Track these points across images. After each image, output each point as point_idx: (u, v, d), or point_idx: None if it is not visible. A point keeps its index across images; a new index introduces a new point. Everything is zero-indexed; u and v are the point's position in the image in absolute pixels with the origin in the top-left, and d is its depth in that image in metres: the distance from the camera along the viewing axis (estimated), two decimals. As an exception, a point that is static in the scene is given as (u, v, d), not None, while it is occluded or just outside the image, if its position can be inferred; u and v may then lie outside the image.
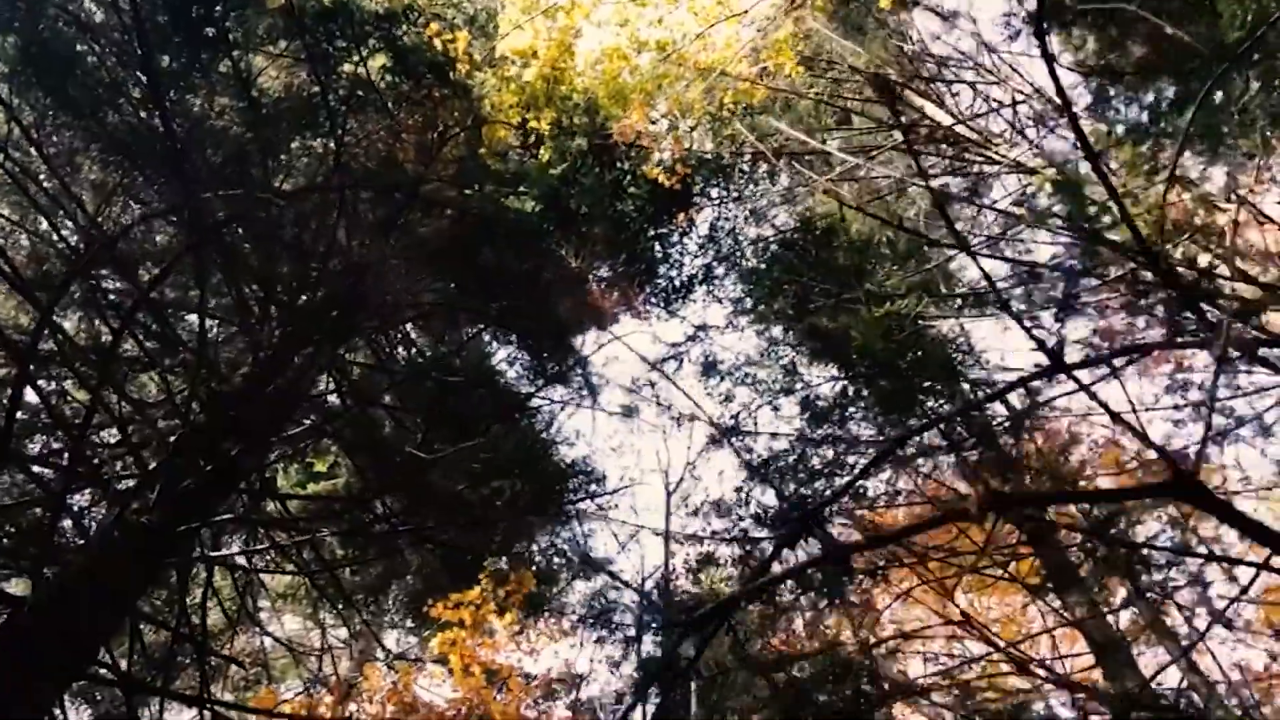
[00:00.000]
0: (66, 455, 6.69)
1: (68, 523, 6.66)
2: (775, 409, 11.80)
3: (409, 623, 11.70)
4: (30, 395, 7.01)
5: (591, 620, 12.01)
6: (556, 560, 10.99)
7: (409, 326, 10.83)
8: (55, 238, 6.73)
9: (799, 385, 8.78)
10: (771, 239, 9.09)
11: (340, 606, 10.11)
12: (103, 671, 6.04)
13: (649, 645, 12.35)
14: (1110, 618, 7.72)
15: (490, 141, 8.78)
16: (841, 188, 7.89)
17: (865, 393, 7.60)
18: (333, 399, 10.01)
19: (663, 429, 15.39)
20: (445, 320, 10.62)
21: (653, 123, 8.38)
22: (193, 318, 9.06)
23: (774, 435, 9.33)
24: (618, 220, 8.81)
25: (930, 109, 8.35)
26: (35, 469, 6.44)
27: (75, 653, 5.73)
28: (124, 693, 6.33)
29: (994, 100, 8.57)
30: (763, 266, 8.72)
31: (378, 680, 8.89)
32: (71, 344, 6.96)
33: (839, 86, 8.74)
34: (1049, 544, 7.93)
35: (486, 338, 11.06)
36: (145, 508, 6.34)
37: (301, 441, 9.13)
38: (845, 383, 7.95)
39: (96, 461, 6.73)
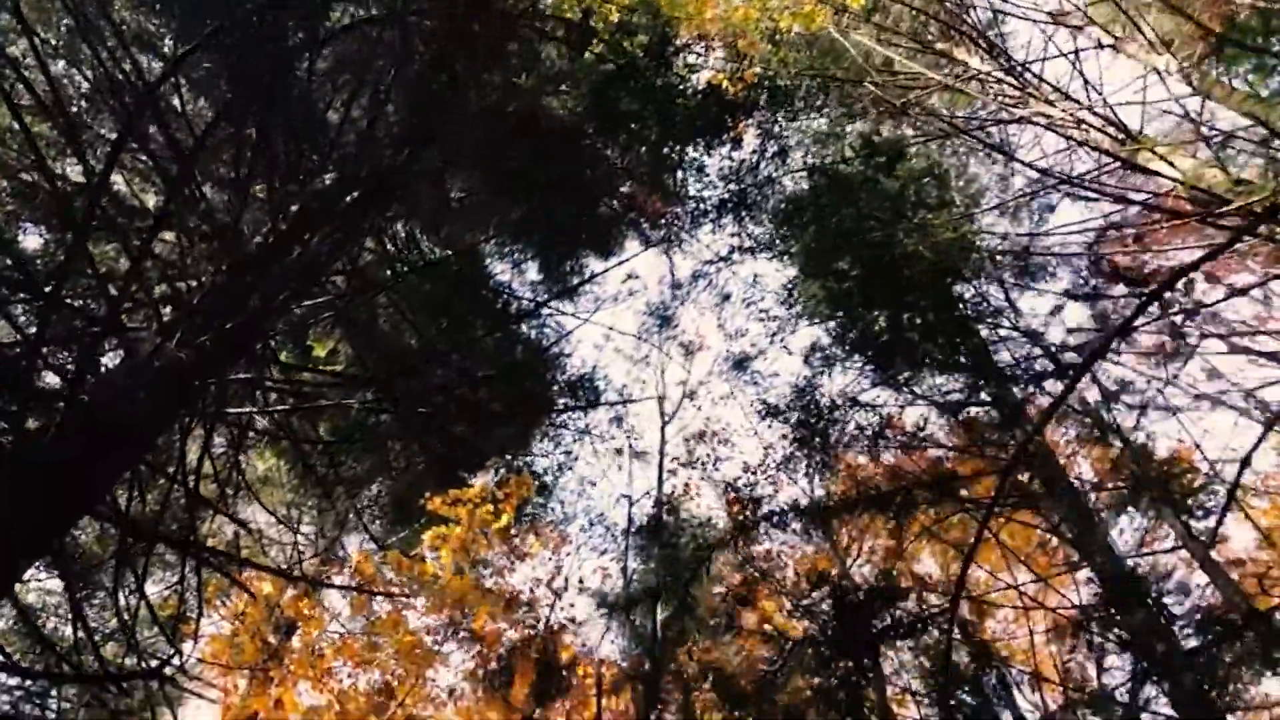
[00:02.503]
0: (104, 309, 6.51)
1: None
2: (786, 348, 11.78)
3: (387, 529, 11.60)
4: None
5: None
6: (552, 471, 10.88)
7: (429, 222, 10.57)
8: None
9: (836, 320, 8.65)
10: (824, 163, 8.91)
11: (326, 491, 9.93)
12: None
13: (635, 561, 12.39)
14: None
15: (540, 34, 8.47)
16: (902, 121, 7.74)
17: (917, 322, 7.51)
18: (341, 283, 9.78)
19: (668, 354, 15.32)
20: (469, 220, 10.37)
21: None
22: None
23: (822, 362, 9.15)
24: (664, 129, 8.56)
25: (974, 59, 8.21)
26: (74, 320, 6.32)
27: (87, 489, 5.62)
28: (119, 532, 6.21)
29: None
30: (807, 192, 8.57)
31: (369, 568, 8.76)
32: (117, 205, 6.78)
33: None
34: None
35: (504, 244, 10.81)
36: (161, 359, 6.20)
37: (310, 318, 8.94)
38: (884, 319, 7.85)
39: (124, 313, 6.53)
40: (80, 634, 5.87)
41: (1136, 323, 6.21)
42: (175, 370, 6.26)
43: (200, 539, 7.09)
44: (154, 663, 11.75)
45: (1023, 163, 6.87)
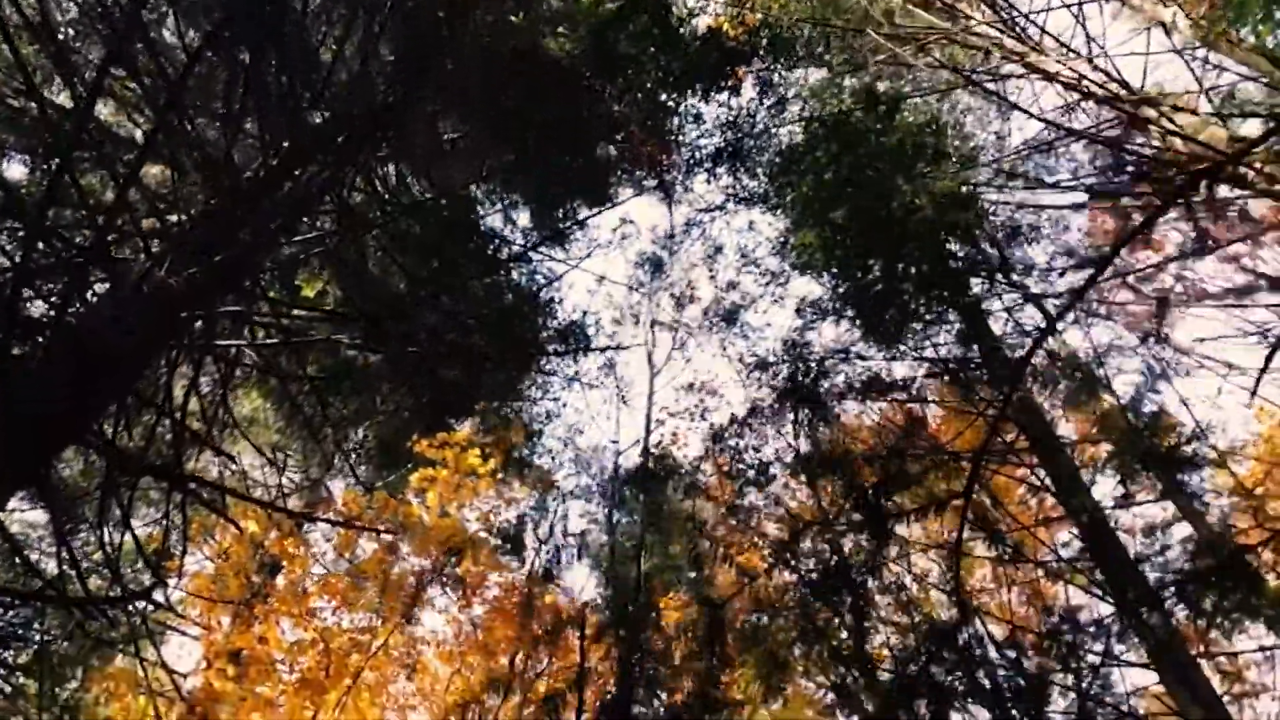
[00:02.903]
0: (91, 238, 6.44)
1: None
2: (778, 300, 11.78)
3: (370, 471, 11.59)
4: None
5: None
6: (540, 418, 10.89)
7: (420, 164, 10.44)
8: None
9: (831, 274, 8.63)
10: (823, 114, 8.82)
11: (313, 432, 9.91)
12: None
13: (620, 511, 12.46)
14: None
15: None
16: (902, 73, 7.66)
17: (912, 271, 7.49)
18: (330, 222, 9.68)
19: (658, 304, 15.31)
20: (461, 162, 10.25)
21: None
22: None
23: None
24: (662, 74, 8.45)
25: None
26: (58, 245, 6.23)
27: (74, 417, 5.58)
28: (105, 460, 6.18)
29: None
30: (805, 142, 8.49)
31: (356, 507, 8.76)
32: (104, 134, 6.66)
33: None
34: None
35: (497, 188, 10.70)
36: (150, 288, 6.15)
37: (300, 255, 8.85)
38: (878, 271, 7.83)
39: (112, 244, 6.45)
40: (65, 565, 5.85)
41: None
42: (164, 299, 6.21)
43: (186, 472, 7.06)
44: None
45: (1026, 111, 6.80)
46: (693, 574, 17.71)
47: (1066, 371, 7.59)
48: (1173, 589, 6.07)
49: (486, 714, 11.00)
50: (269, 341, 7.78)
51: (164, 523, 7.27)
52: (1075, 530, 7.19)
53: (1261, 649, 7.57)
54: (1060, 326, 7.55)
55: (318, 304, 9.96)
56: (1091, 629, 8.82)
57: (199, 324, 7.11)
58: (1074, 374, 7.53)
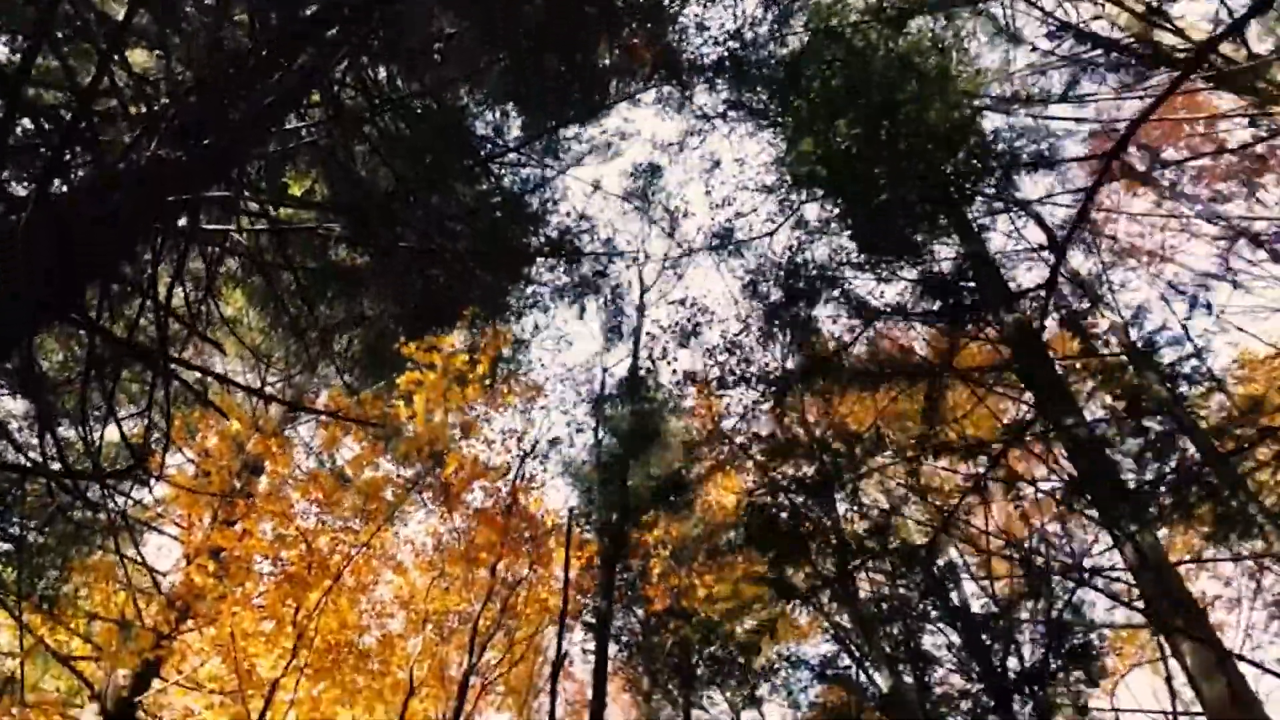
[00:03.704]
0: (73, 115, 6.24)
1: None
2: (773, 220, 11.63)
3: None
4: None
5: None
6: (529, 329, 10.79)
7: (410, 63, 10.13)
8: None
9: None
10: (829, 25, 8.59)
11: (299, 333, 9.77)
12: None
13: (605, 428, 12.46)
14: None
15: None
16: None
17: (913, 185, 7.38)
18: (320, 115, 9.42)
19: (652, 217, 15.13)
20: (453, 63, 9.95)
21: None
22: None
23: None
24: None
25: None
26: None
27: (57, 292, 5.43)
28: (88, 341, 6.06)
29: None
30: (809, 53, 8.28)
31: (343, 404, 8.68)
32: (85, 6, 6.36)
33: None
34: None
35: (490, 91, 10.41)
36: (135, 168, 5.97)
37: (288, 146, 8.64)
38: (878, 187, 7.70)
39: (94, 125, 6.23)
40: (47, 444, 5.76)
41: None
42: (149, 180, 6.03)
43: (171, 357, 6.94)
44: (119, 487, 11.72)
45: (1043, 11, 6.64)
46: (672, 495, 17.92)
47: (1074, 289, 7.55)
48: (1157, 496, 6.12)
49: (466, 622, 11.13)
50: (258, 228, 7.60)
51: (146, 414, 7.17)
52: (1064, 453, 7.22)
53: (1239, 557, 7.70)
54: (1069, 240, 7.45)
55: (305, 203, 9.75)
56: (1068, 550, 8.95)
57: (186, 210, 6.95)
58: (1078, 292, 7.49)
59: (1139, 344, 6.97)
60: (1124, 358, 6.76)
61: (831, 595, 12.38)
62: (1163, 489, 6.16)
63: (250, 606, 9.21)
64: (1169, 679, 10.48)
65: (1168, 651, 12.27)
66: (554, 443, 12.52)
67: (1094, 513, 7.03)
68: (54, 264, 5.27)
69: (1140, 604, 6.97)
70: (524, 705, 16.15)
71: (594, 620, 12.70)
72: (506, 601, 10.59)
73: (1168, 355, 6.81)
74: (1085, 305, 7.69)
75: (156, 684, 9.75)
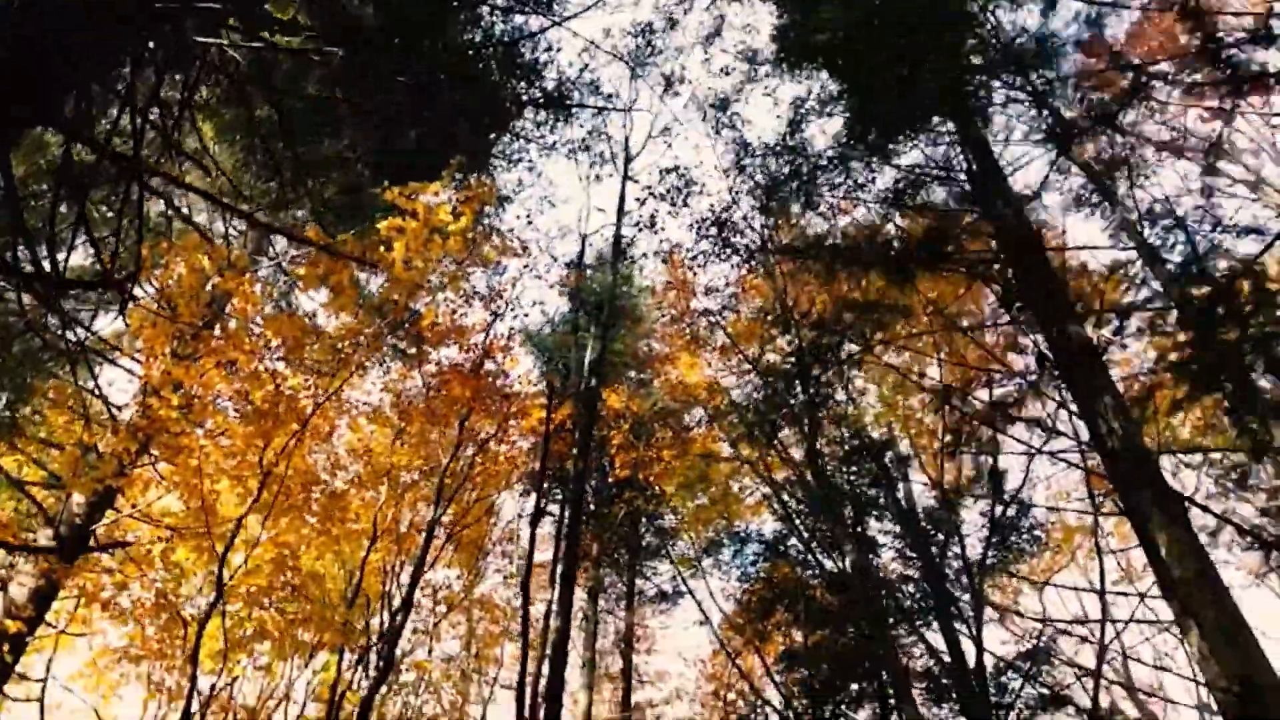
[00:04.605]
0: None
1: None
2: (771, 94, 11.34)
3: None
4: None
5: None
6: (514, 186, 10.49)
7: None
8: None
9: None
10: None
11: (276, 168, 9.38)
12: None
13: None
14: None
15: None
16: None
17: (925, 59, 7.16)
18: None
19: (647, 81, 14.70)
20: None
21: None
22: None
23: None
24: None
25: None
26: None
27: (32, 93, 5.19)
28: (64, 144, 5.83)
29: None
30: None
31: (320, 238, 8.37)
32: None
33: None
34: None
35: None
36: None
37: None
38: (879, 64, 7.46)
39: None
40: (20, 246, 5.52)
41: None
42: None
43: (143, 156, 6.63)
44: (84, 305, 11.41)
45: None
46: (637, 373, 18.02)
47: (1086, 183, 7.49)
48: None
49: (429, 476, 11.17)
50: (251, 44, 7.21)
51: (117, 232, 6.85)
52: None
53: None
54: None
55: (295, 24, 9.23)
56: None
57: (171, 21, 6.56)
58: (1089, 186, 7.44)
59: (1152, 241, 6.98)
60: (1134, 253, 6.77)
61: (796, 480, 12.63)
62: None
63: (215, 442, 9.11)
64: (1099, 549, 10.90)
65: (1102, 530, 12.79)
66: (532, 306, 12.41)
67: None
68: (30, 60, 4.99)
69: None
70: (472, 563, 16.45)
71: (561, 484, 12.93)
72: (473, 458, 10.61)
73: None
74: (1095, 198, 7.66)
75: (112, 515, 9.69)
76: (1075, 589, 15.90)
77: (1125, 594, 12.28)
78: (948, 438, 12.83)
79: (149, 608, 9.24)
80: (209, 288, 9.36)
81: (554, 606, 10.19)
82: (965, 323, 11.30)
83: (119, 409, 9.98)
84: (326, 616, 8.95)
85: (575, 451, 10.84)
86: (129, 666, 10.65)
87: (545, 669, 9.95)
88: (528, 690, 9.75)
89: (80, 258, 10.43)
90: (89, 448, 8.53)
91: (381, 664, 8.70)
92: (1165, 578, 5.69)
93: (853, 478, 13.70)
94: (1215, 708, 5.50)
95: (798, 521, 13.78)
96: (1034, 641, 12.91)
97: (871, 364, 12.04)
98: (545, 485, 12.23)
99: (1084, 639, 13.66)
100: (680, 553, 17.29)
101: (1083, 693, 12.51)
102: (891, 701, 11.44)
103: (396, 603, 9.98)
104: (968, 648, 11.57)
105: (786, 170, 9.40)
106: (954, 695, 11.43)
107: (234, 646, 8.94)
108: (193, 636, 8.40)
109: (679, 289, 14.63)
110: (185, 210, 9.57)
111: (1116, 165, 7.35)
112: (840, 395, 12.20)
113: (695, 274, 13.13)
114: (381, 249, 8.65)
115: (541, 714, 9.84)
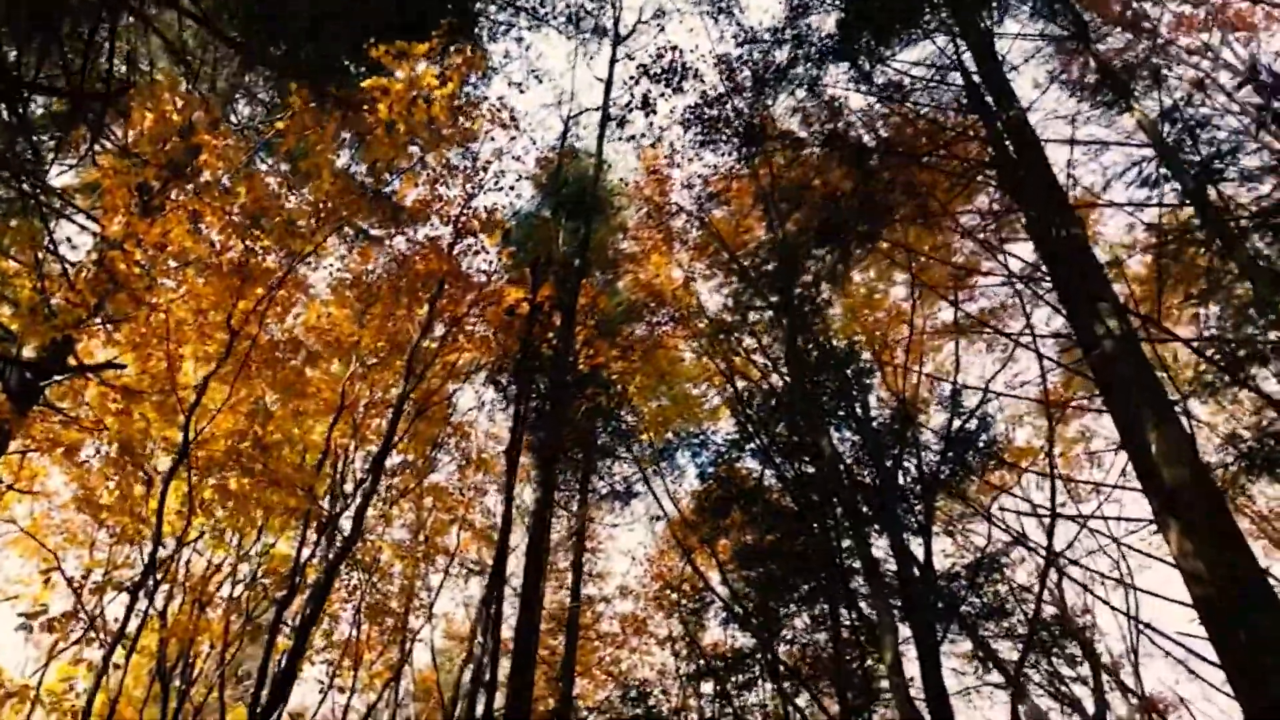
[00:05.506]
0: None
1: None
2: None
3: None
4: None
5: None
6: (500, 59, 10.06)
7: None
8: None
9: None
10: None
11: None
12: None
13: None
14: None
15: None
16: None
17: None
18: None
19: None
20: None
21: None
22: None
23: None
24: None
25: None
26: None
27: None
28: None
29: None
30: None
31: (298, 102, 8.00)
32: None
33: None
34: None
35: None
36: None
37: None
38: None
39: None
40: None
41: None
42: None
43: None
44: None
45: None
46: (603, 272, 17.82)
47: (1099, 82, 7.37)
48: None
49: (399, 354, 10.96)
50: None
51: (87, 51, 6.42)
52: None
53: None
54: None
55: None
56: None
57: None
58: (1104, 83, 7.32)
59: (1171, 140, 6.90)
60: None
61: (760, 385, 12.67)
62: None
63: (181, 300, 8.81)
64: (1050, 462, 11.20)
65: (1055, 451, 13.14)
66: (511, 187, 12.06)
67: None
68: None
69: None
70: (424, 451, 16.37)
71: (531, 372, 12.83)
72: (443, 337, 10.41)
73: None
74: (1109, 100, 7.56)
75: (66, 375, 9.36)
76: (1019, 513, 16.31)
77: (1073, 518, 12.62)
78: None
79: (111, 459, 9.02)
80: (178, 139, 8.92)
81: (538, 495, 10.23)
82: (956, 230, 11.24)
83: (73, 265, 9.57)
84: (293, 479, 8.79)
85: (554, 337, 10.72)
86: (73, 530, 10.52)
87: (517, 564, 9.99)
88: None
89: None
90: (46, 296, 8.16)
91: (351, 533, 8.62)
92: (1151, 475, 5.80)
93: (817, 386, 13.81)
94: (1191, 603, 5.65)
95: (757, 426, 13.90)
96: (978, 555, 13.35)
97: (859, 263, 11.98)
98: (521, 370, 12.10)
99: (1024, 558, 14.23)
100: (636, 452, 17.36)
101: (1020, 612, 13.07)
102: (841, 600, 11.74)
103: (360, 475, 9.87)
104: (919, 557, 11.90)
105: (786, 58, 9.14)
106: (901, 602, 11.73)
107: (194, 510, 8.78)
108: (157, 495, 8.24)
109: (658, 184, 14.35)
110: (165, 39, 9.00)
111: (1138, 66, 7.23)
112: (825, 293, 12.18)
113: (679, 165, 12.86)
114: (365, 110, 8.33)
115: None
